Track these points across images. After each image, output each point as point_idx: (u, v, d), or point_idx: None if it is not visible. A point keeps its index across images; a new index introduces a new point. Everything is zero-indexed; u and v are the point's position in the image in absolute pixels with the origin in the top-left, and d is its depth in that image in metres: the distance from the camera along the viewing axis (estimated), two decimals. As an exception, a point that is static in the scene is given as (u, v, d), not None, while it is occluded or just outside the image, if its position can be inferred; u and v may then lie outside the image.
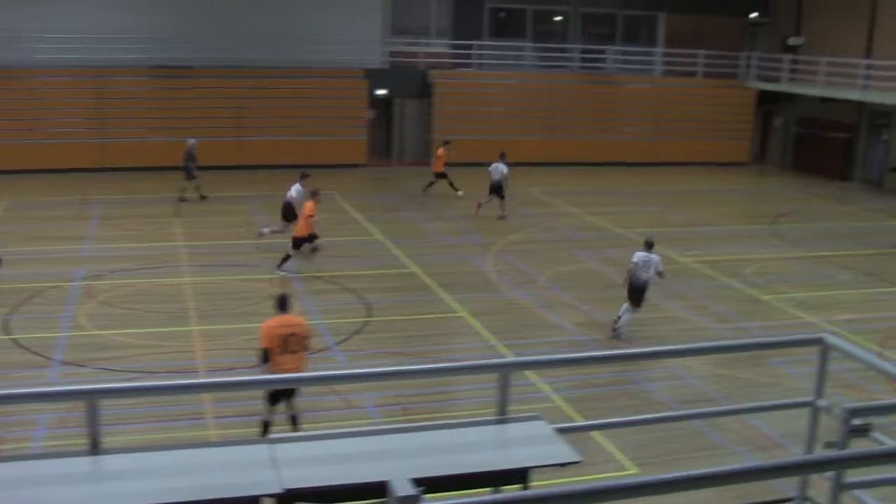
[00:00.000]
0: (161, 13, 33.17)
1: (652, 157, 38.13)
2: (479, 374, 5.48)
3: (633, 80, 39.17)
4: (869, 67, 35.36)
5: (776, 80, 39.97)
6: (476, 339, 17.09)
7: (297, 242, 20.61)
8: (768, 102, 41.04)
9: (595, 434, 12.78)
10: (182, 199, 28.10)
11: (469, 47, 37.49)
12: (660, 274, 17.49)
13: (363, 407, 13.74)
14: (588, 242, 24.71)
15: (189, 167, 28.06)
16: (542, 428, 5.24)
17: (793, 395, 5.89)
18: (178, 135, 32.11)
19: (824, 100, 36.98)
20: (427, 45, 37.79)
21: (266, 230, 22.77)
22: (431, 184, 29.97)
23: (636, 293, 17.42)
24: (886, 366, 5.35)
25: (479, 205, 27.42)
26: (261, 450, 4.88)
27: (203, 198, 28.40)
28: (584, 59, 39.27)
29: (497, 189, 27.14)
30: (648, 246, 17.55)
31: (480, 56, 38.05)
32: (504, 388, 5.28)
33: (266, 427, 12.05)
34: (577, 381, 14.99)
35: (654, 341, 16.95)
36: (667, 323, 18.48)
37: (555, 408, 13.85)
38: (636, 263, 17.29)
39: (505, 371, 5.33)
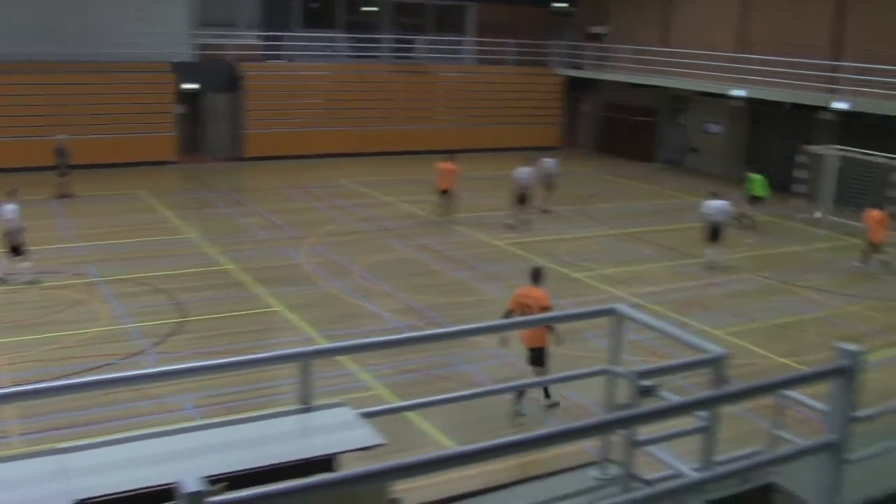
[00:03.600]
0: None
1: (465, 143, 38.51)
2: (281, 364, 5.43)
3: (444, 70, 39.65)
4: (667, 55, 37.01)
5: (582, 67, 41.30)
6: (294, 332, 16.97)
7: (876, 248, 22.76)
8: (576, 89, 42.33)
9: (416, 418, 12.93)
10: (63, 196, 27.75)
11: (280, 38, 37.08)
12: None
13: (183, 409, 13.44)
14: (403, 231, 24.88)
15: (60, 164, 27.78)
16: (347, 414, 5.24)
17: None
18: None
19: (628, 85, 38.42)
20: (236, 37, 37.16)
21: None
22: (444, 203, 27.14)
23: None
24: (672, 330, 5.60)
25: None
26: (51, 461, 4.65)
27: (68, 195, 27.87)
28: (396, 49, 39.47)
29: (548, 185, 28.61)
30: (713, 195, 22.72)
31: (292, 47, 37.68)
32: (306, 377, 5.26)
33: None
34: (396, 369, 15.11)
35: (465, 324, 17.15)
36: (481, 305, 18.81)
37: (375, 396, 13.90)
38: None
39: (305, 360, 5.31)
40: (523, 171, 25.61)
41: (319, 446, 5.03)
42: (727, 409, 12.96)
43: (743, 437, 12.48)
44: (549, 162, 28.87)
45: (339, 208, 27.50)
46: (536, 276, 13.78)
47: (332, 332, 16.75)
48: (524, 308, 13.31)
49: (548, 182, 28.33)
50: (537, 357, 13.56)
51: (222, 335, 16.71)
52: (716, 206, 22.48)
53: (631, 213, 28.33)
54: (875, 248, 22.71)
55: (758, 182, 27.55)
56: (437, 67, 39.48)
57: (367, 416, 5.25)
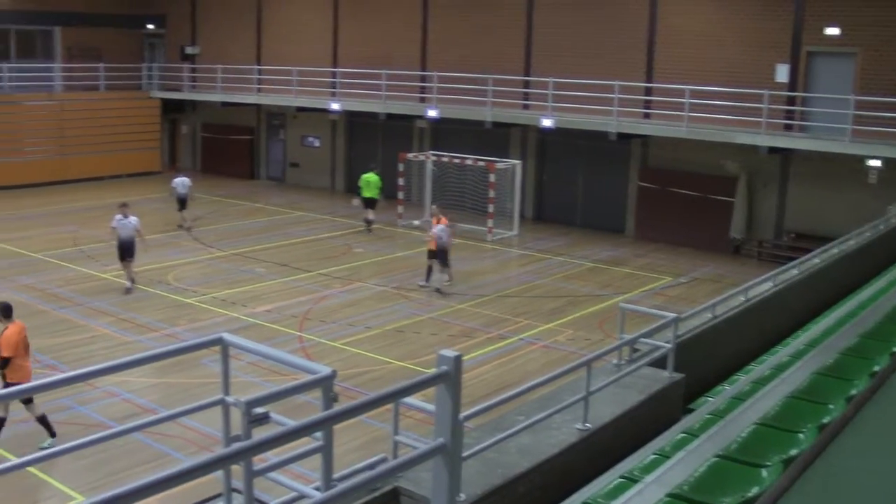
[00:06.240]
0: None
1: (61, 175, 36.76)
2: None
3: (32, 98, 37.38)
4: (261, 73, 37.42)
5: (178, 88, 40.72)
6: None
7: None
8: (174, 111, 41.67)
9: (36, 472, 12.21)
10: None
11: None
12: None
13: None
14: (2, 272, 23.24)
15: None
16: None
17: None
18: None
19: (225, 105, 38.37)
20: None
21: None
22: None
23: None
24: (277, 354, 5.69)
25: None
26: None
27: None
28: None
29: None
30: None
31: None
32: None
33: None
34: (6, 421, 14.13)
35: (81, 364, 16.45)
36: (93, 342, 18.04)
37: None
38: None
39: None
40: (119, 219, 21.80)
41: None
42: (353, 419, 13.39)
43: (371, 443, 12.96)
44: (180, 181, 28.54)
45: (-76, 253, 25.30)
46: (9, 311, 13.44)
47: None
48: (25, 344, 13.35)
49: (182, 201, 28.35)
50: None
51: None
52: (441, 228, 21.81)
53: (238, 233, 28.31)
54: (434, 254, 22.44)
55: (365, 182, 28.43)
56: (23, 97, 37.20)
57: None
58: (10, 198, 33.63)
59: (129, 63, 40.92)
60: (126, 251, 21.56)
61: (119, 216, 21.76)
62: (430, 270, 22.42)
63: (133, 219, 21.74)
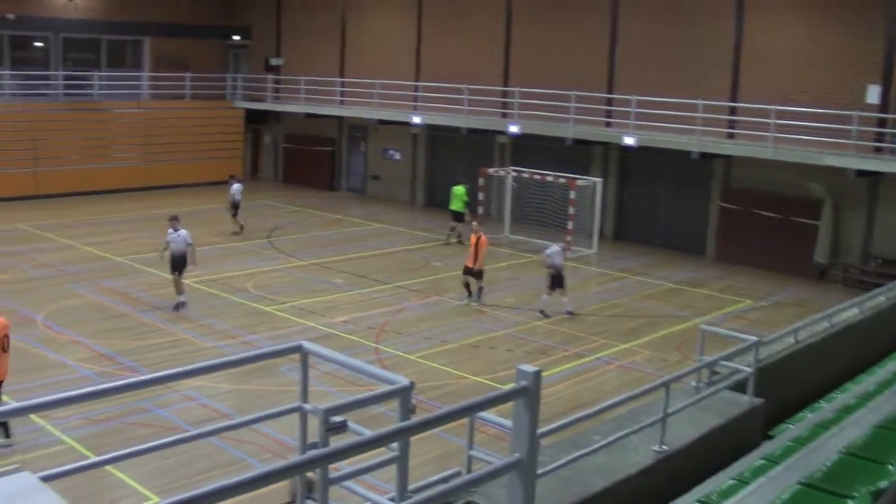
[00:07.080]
0: None
1: (145, 181, 37.55)
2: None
3: (120, 106, 38.26)
4: (344, 85, 37.78)
5: (262, 99, 41.29)
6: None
7: None
8: (257, 121, 42.26)
9: (112, 469, 12.37)
10: None
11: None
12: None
13: None
14: (86, 275, 23.78)
15: None
16: (27, 480, 4.89)
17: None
18: None
19: (308, 116, 38.81)
20: None
21: None
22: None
23: None
24: (356, 363, 5.70)
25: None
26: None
27: None
28: (68, 86, 37.70)
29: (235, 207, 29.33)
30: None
31: (-53, 87, 35.20)
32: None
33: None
34: (87, 419, 14.40)
35: (160, 367, 16.69)
36: (172, 346, 18.31)
37: (68, 450, 13.22)
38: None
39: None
40: (169, 233, 21.22)
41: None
42: (427, 432, 13.38)
43: (444, 457, 12.92)
44: (238, 188, 29.48)
45: (17, 255, 25.89)
46: None
47: (15, 387, 15.68)
48: (4, 340, 13.29)
49: (233, 205, 29.29)
50: None
51: None
52: (555, 249, 21.63)
53: (318, 243, 28.57)
54: (475, 274, 22.20)
55: (452, 194, 28.72)
56: (112, 104, 38.06)
57: (53, 477, 4.91)
58: (96, 202, 34.43)
59: (215, 73, 41.74)
60: (177, 265, 20.95)
61: (170, 230, 21.16)
62: (472, 288, 22.27)
63: (183, 232, 21.02)
